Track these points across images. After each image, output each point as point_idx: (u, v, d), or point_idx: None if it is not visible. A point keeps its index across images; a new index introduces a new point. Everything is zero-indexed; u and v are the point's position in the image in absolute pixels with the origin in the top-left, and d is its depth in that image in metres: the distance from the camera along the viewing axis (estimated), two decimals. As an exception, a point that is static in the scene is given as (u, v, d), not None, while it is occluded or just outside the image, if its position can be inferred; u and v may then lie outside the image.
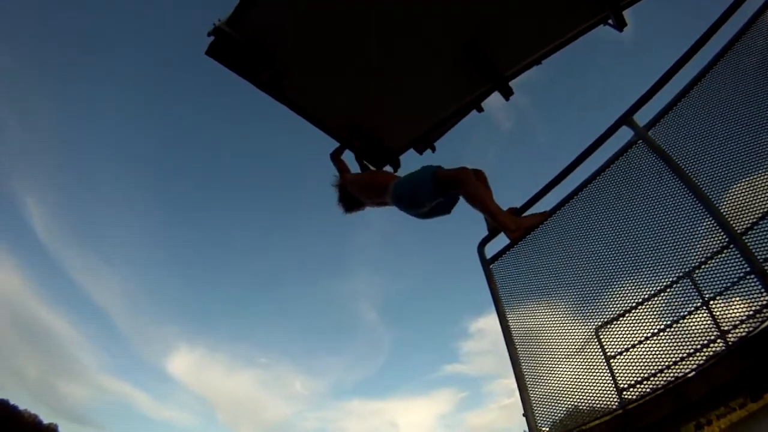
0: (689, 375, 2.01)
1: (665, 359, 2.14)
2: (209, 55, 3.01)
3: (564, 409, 2.50)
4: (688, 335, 2.11)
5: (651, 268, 2.31)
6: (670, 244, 2.20)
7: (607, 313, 2.49)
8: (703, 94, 2.20)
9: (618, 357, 2.41)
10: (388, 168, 3.93)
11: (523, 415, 2.63)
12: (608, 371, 2.41)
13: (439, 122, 3.60)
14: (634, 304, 2.36)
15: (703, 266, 2.08)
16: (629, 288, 2.41)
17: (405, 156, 3.92)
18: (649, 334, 2.31)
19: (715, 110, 2.16)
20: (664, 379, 2.11)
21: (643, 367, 2.20)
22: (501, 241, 3.02)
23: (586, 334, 2.57)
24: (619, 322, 2.44)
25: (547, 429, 2.54)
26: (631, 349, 2.36)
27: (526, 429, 2.57)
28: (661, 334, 2.25)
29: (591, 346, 2.54)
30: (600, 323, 2.50)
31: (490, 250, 3.19)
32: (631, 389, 2.27)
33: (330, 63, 3.16)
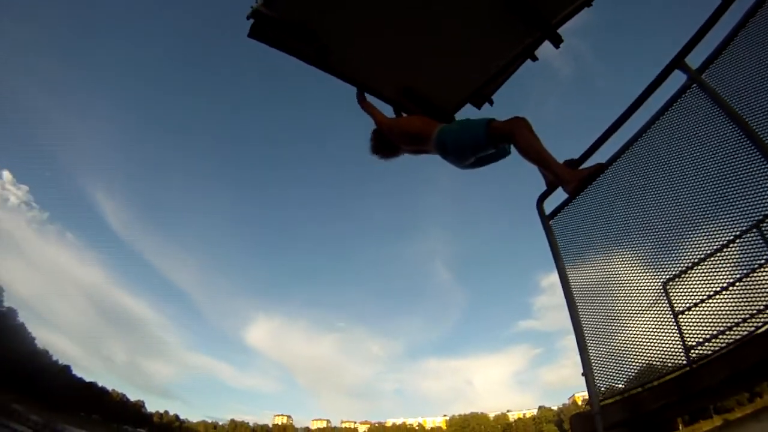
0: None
1: (736, 315, 1.99)
2: (251, 37, 3.04)
3: (627, 368, 2.44)
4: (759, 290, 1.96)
5: (718, 220, 2.11)
6: (735, 195, 2.01)
7: (674, 267, 2.34)
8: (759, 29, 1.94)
9: (686, 313, 2.28)
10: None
11: (583, 374, 2.60)
12: (676, 328, 2.30)
13: (491, 76, 3.46)
14: (702, 257, 2.18)
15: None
16: (697, 240, 2.24)
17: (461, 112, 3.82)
18: (718, 289, 2.15)
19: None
20: (733, 336, 1.99)
21: (712, 324, 2.07)
22: (560, 195, 2.90)
23: (653, 289, 2.45)
24: (687, 276, 2.29)
25: (605, 389, 2.50)
26: (700, 305, 2.22)
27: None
28: (731, 288, 2.10)
29: (657, 302, 2.42)
30: (668, 278, 2.36)
31: (549, 205, 3.08)
32: (699, 347, 2.17)
33: (371, 28, 3.11)
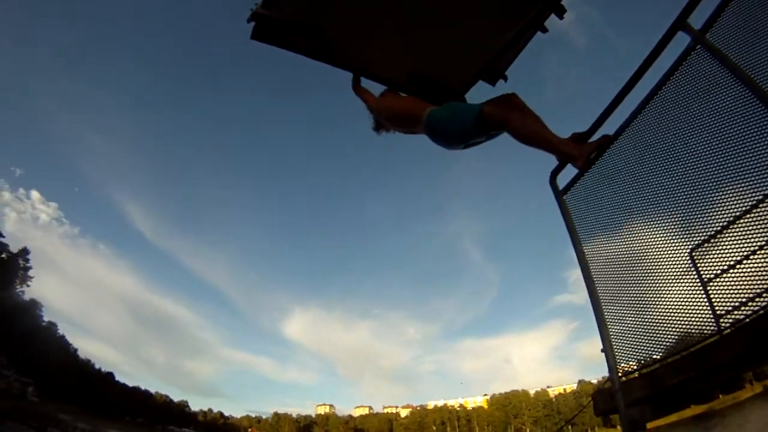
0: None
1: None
2: (255, 39, 3.06)
3: (650, 343, 2.36)
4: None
5: (741, 182, 2.01)
6: (754, 158, 1.91)
7: (699, 234, 2.25)
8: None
9: (715, 280, 2.19)
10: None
11: (602, 350, 2.52)
12: (704, 297, 2.21)
13: (499, 52, 3.35)
14: (726, 223, 2.08)
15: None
16: (723, 205, 2.15)
17: (476, 88, 3.73)
18: (747, 253, 2.05)
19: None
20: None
21: (744, 290, 1.96)
22: (573, 169, 2.79)
23: (679, 258, 2.36)
24: (716, 242, 2.20)
25: (625, 366, 2.42)
26: (729, 271, 2.13)
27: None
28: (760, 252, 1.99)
29: (684, 271, 2.33)
30: (694, 245, 2.24)
31: (563, 180, 3.01)
32: (729, 315, 2.08)
33: (372, 16, 3.06)
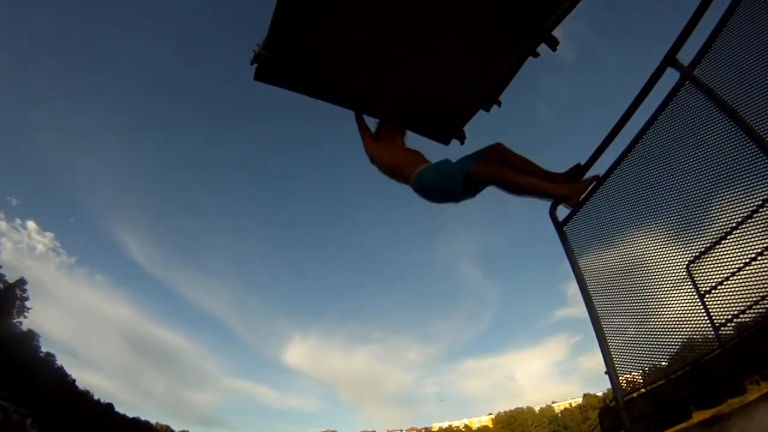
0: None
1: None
2: (258, 80, 3.15)
3: (651, 360, 2.47)
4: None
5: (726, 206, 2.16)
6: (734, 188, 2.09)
7: (696, 247, 2.33)
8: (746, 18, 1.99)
9: (713, 292, 2.30)
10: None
11: (606, 373, 2.61)
12: (703, 310, 2.32)
13: (495, 84, 3.49)
14: (718, 238, 2.21)
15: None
16: (714, 221, 2.24)
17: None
18: (741, 265, 2.17)
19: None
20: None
21: (740, 299, 2.08)
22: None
23: (676, 273, 2.46)
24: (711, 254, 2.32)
25: (629, 384, 2.51)
26: (725, 282, 2.25)
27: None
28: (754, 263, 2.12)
29: (681, 286, 2.44)
30: (690, 259, 2.35)
31: (563, 212, 3.10)
32: (728, 324, 2.18)
33: (372, 56, 3.20)
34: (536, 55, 3.33)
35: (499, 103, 3.79)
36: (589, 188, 2.74)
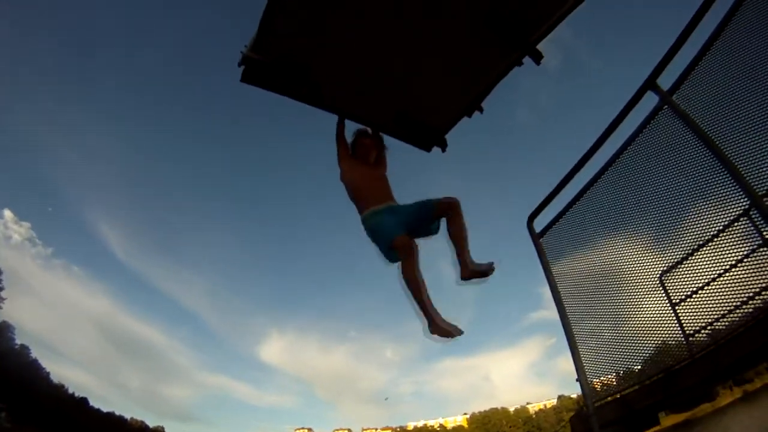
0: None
1: (730, 302, 2.16)
2: (244, 82, 3.13)
3: (620, 367, 2.62)
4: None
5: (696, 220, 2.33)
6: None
7: (669, 259, 2.50)
8: (727, 47, 2.12)
9: (683, 303, 2.45)
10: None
11: (577, 380, 2.73)
12: (674, 318, 2.46)
13: (479, 93, 3.56)
14: (693, 249, 2.36)
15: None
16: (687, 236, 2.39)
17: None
18: (710, 279, 2.30)
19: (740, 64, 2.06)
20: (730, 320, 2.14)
21: (711, 310, 2.25)
22: (551, 212, 3.12)
23: (649, 284, 2.59)
24: (683, 267, 2.44)
25: (599, 390, 2.66)
26: (695, 294, 2.36)
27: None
28: (723, 277, 2.24)
29: (654, 297, 2.57)
30: (663, 270, 2.52)
31: (540, 223, 3.24)
32: (698, 335, 2.32)
33: (359, 62, 3.20)
34: (520, 64, 3.40)
35: (481, 110, 3.83)
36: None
